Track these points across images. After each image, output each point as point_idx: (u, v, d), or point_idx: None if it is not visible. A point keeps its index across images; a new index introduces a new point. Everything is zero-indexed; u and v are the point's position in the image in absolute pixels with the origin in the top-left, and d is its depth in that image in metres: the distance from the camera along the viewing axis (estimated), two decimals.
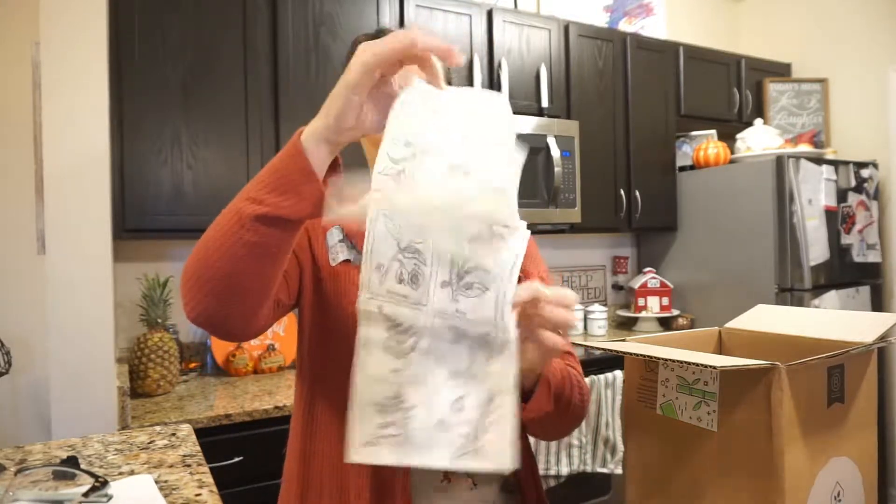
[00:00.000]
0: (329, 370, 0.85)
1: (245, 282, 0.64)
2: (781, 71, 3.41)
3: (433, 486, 0.84)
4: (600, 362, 2.34)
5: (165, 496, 0.54)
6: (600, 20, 3.15)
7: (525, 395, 0.75)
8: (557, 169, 2.48)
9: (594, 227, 2.77)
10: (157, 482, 0.57)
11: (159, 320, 1.90)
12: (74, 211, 1.49)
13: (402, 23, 2.26)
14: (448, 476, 0.84)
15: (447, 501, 0.84)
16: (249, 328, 0.71)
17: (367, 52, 0.58)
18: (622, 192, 2.83)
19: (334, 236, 0.87)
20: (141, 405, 1.76)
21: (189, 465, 0.63)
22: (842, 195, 2.80)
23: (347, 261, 0.86)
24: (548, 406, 0.76)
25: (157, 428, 0.73)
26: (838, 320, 0.99)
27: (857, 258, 2.83)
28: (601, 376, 2.27)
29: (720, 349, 1.14)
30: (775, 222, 2.64)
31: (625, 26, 3.25)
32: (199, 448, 0.66)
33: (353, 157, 0.86)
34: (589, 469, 2.24)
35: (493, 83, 2.47)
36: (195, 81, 1.93)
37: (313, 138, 0.61)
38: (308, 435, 0.86)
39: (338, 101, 0.59)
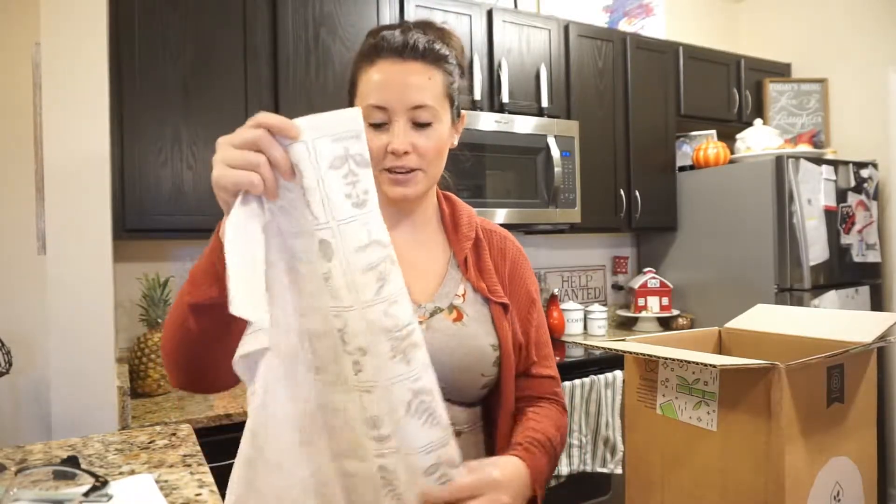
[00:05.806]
0: None
1: (198, 362, 0.72)
2: (781, 71, 3.41)
3: None
4: (600, 362, 2.34)
5: (166, 496, 0.54)
6: (600, 20, 3.15)
7: None
8: (557, 169, 2.48)
9: (594, 227, 2.77)
10: (157, 482, 0.57)
11: (159, 320, 1.90)
12: (74, 211, 1.49)
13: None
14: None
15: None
16: (222, 386, 0.76)
17: (217, 171, 0.60)
18: (622, 192, 2.83)
19: None
20: (141, 405, 1.75)
21: (189, 465, 0.63)
22: (841, 195, 2.80)
23: None
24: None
25: (158, 428, 0.73)
26: (838, 320, 0.99)
27: (857, 258, 2.83)
28: (601, 376, 2.27)
29: (720, 349, 1.14)
30: (775, 222, 2.64)
31: (625, 26, 3.25)
32: (199, 448, 0.66)
33: None
34: (589, 469, 2.24)
35: (493, 83, 2.47)
36: (195, 81, 1.93)
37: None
38: None
39: (220, 203, 0.62)
